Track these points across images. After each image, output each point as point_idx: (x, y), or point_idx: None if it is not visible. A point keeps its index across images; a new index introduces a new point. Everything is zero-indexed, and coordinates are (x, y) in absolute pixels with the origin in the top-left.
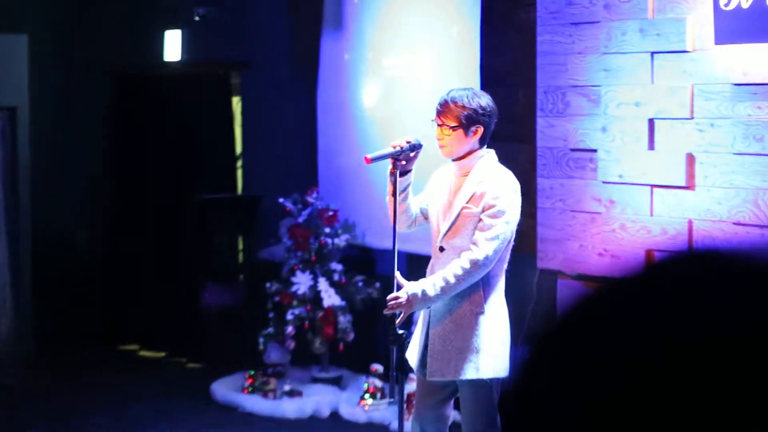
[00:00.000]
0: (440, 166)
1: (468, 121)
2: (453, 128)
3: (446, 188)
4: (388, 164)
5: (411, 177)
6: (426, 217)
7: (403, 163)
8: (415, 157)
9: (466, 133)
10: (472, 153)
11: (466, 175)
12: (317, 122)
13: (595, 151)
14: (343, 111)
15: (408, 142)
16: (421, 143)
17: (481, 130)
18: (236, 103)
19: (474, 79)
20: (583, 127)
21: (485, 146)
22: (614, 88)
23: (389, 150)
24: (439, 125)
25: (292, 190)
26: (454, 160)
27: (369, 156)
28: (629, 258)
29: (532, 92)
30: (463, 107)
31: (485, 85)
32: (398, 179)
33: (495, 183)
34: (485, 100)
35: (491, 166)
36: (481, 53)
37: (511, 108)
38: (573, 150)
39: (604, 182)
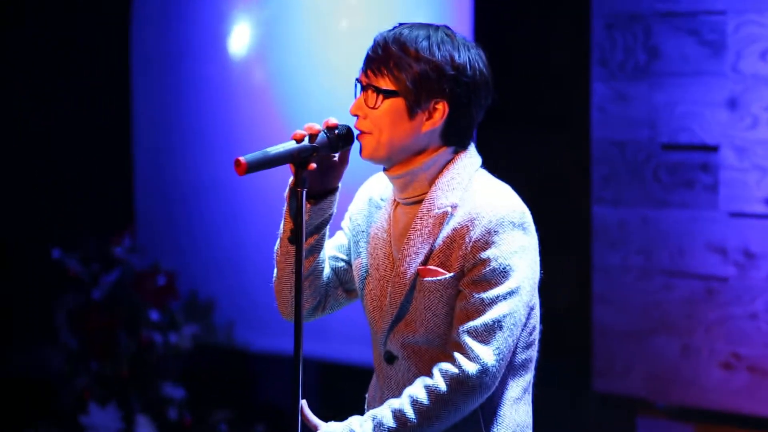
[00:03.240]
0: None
1: (420, 85)
2: (385, 96)
3: (381, 229)
4: (286, 176)
5: (332, 205)
6: (347, 290)
7: (313, 167)
8: (342, 162)
9: (411, 111)
10: (424, 156)
11: (419, 202)
12: (132, 93)
13: (715, 149)
14: (185, 70)
15: (329, 128)
16: (354, 131)
17: (444, 109)
18: None
19: (462, 12)
20: (688, 98)
21: (458, 146)
22: (754, 18)
23: (288, 146)
24: (362, 87)
25: (79, 234)
26: (386, 169)
27: (245, 158)
28: None
29: (582, 27)
30: (417, 56)
31: (481, 20)
32: (306, 206)
33: (481, 213)
34: (467, 55)
35: (468, 180)
36: None
37: (538, 62)
38: (667, 147)
39: (732, 215)
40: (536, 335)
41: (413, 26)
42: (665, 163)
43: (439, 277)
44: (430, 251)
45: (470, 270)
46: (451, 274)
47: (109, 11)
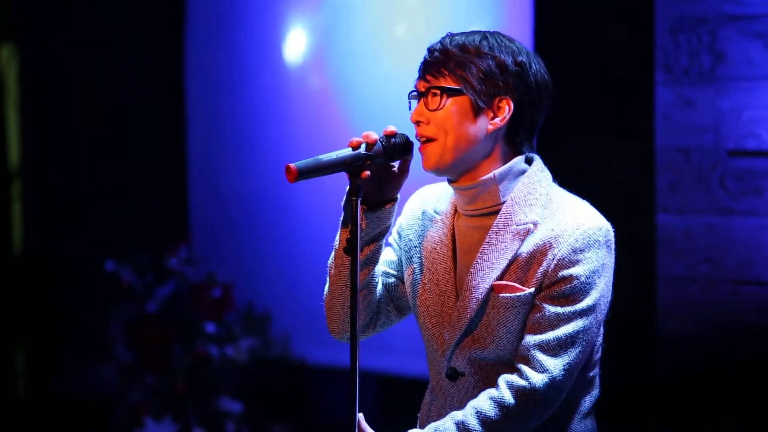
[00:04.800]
0: (420, 187)
1: (484, 80)
2: (449, 95)
3: (439, 243)
4: (345, 186)
5: (390, 216)
6: (398, 307)
7: (366, 175)
8: (402, 172)
9: (476, 109)
10: (490, 162)
11: (488, 215)
12: (187, 102)
13: None
14: (240, 78)
15: (387, 136)
16: (412, 142)
17: (509, 106)
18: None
19: (523, 17)
20: (754, 103)
21: (523, 151)
22: None
23: (341, 153)
24: (420, 94)
25: (133, 246)
26: (451, 181)
27: (296, 165)
28: None
29: (646, 32)
30: (479, 53)
31: (542, 25)
32: (361, 216)
33: (567, 231)
34: (527, 55)
35: (546, 195)
36: None
37: (600, 68)
38: (733, 154)
39: None
40: (600, 352)
41: (466, 33)
42: (731, 170)
43: (517, 294)
44: (507, 267)
45: (549, 286)
46: (530, 290)
47: (162, 20)
